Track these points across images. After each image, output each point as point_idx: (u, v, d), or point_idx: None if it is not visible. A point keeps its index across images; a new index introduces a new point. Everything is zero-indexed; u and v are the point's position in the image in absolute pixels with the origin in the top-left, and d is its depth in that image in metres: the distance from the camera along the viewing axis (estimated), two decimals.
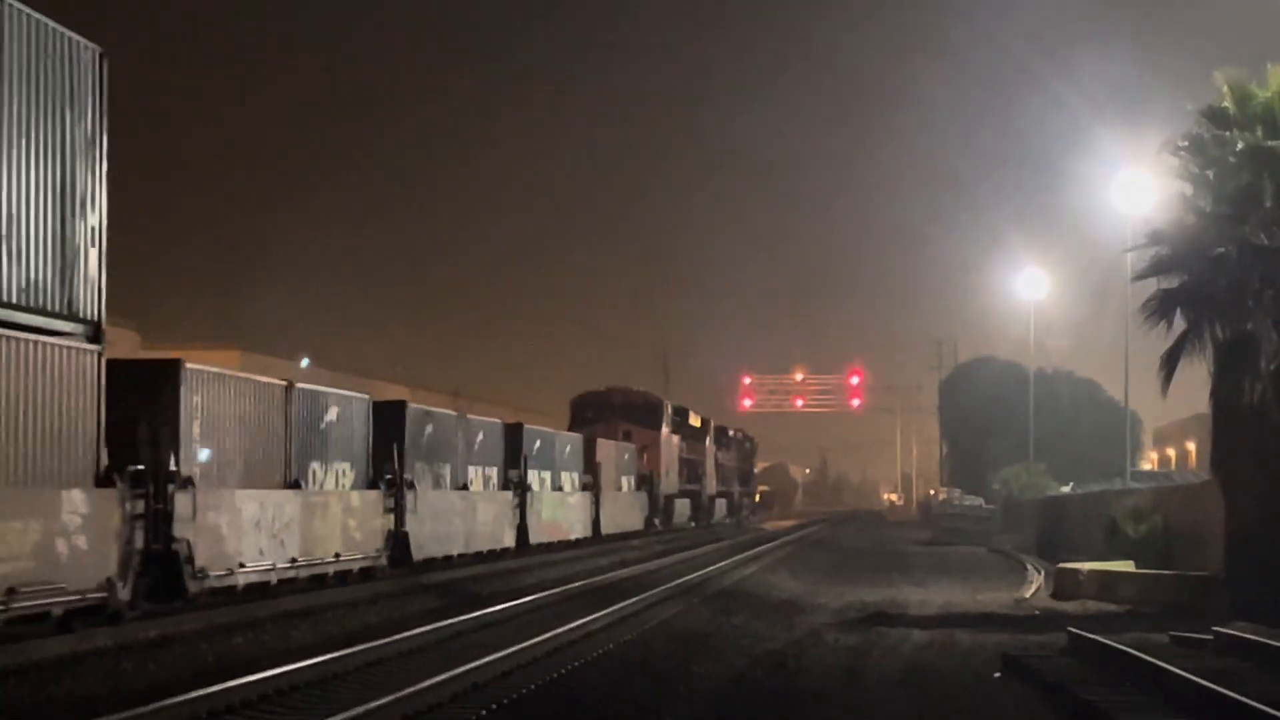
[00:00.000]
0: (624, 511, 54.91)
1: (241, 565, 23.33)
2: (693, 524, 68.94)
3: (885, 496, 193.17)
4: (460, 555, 35.08)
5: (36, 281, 18.52)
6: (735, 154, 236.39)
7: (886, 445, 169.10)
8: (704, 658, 18.57)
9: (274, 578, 24.59)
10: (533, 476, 42.00)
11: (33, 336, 18.24)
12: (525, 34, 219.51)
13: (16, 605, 17.23)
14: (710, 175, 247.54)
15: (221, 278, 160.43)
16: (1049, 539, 47.13)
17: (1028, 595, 30.73)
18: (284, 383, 26.33)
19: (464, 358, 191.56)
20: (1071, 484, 59.08)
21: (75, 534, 18.59)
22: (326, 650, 17.54)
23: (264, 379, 25.95)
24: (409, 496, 31.00)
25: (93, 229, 19.81)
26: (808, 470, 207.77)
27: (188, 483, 21.64)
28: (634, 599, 25.57)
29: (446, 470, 35.13)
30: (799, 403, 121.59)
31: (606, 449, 52.86)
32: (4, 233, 17.83)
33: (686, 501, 68.37)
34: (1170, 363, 25.53)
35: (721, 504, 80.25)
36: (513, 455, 40.80)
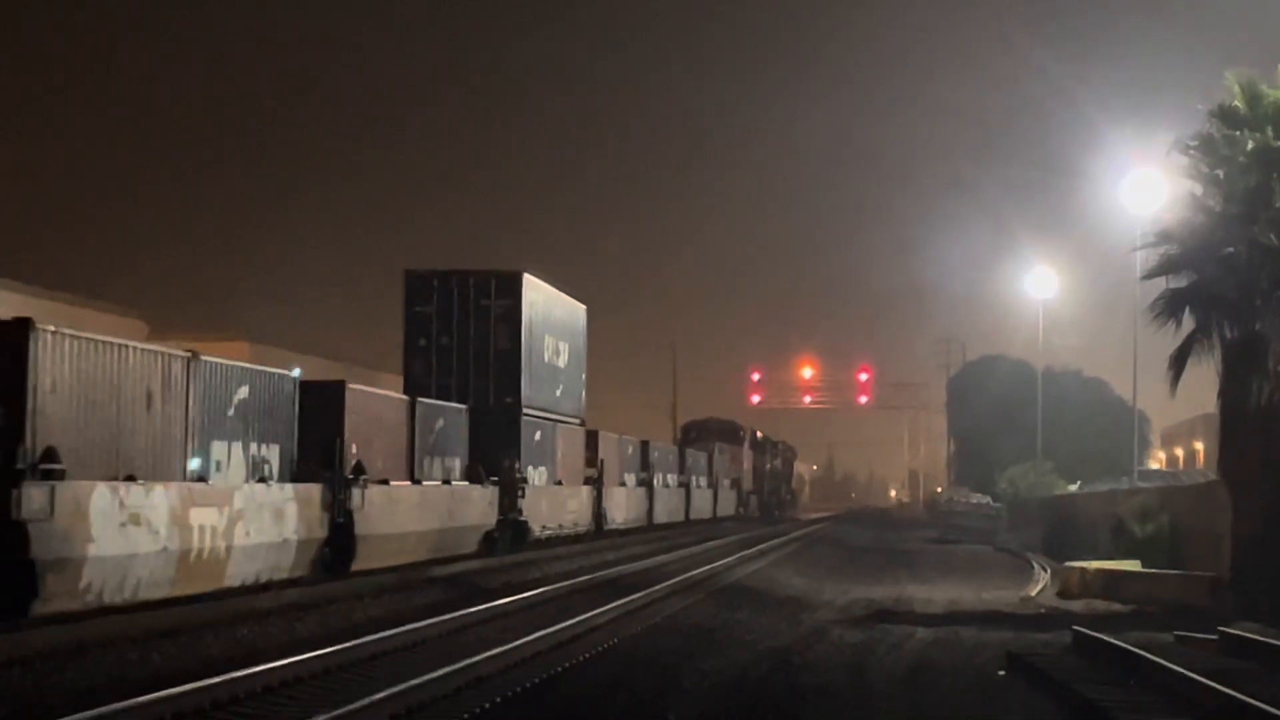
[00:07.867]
0: (727, 502, 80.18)
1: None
2: (758, 514, 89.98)
3: (892, 494, 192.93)
4: (665, 524, 59.04)
5: (571, 405, 45.20)
6: (749, 148, 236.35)
7: (894, 443, 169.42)
8: (710, 653, 18.61)
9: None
10: (691, 479, 67.85)
11: (570, 426, 45.03)
12: (527, 38, 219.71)
13: (571, 529, 43.01)
14: (723, 172, 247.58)
15: (226, 272, 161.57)
16: (1055, 538, 47.10)
17: (1033, 594, 30.68)
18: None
19: None
20: (1079, 483, 58.99)
21: (570, 500, 44.02)
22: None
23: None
24: (655, 490, 57.18)
25: (581, 382, 47.03)
26: (815, 467, 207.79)
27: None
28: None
29: (661, 477, 59.16)
30: (807, 399, 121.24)
31: (719, 461, 78.23)
32: (569, 391, 44.89)
33: (755, 497, 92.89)
34: (1179, 362, 25.52)
35: (773, 500, 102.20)
36: (681, 465, 66.01)
